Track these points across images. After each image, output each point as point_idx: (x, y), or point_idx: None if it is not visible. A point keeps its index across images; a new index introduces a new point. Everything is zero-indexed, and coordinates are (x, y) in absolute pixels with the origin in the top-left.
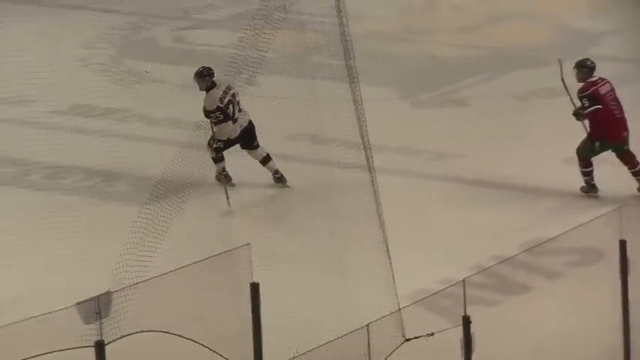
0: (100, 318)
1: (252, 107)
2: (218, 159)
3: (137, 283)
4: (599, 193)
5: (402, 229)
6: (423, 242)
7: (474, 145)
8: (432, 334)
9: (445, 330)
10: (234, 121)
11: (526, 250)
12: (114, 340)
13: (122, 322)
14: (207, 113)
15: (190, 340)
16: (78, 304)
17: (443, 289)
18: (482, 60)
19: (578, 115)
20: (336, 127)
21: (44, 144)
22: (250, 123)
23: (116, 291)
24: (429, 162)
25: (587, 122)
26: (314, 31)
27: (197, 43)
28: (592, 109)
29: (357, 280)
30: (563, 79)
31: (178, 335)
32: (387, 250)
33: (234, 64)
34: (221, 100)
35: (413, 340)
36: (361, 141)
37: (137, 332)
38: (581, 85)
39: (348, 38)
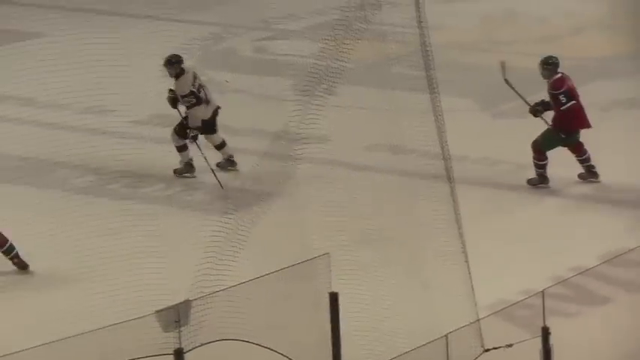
0: (180, 326)
1: (332, 117)
2: (182, 147)
3: (216, 291)
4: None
5: (482, 239)
6: (502, 253)
7: (555, 155)
8: (511, 345)
9: (524, 341)
10: (207, 103)
11: (606, 262)
12: (193, 349)
13: (201, 331)
14: (180, 98)
15: (269, 349)
16: (157, 312)
17: (522, 300)
18: (563, 70)
19: (535, 112)
20: (416, 137)
21: (125, 153)
22: (218, 107)
23: (195, 299)
24: (509, 172)
25: (546, 116)
26: (395, 41)
27: (277, 54)
28: (570, 104)
29: (436, 290)
30: (507, 80)
31: (257, 344)
32: (466, 260)
33: (315, 75)
34: (192, 84)
35: (492, 351)
36: (441, 151)
37: (216, 341)
38: (547, 81)
39: (428, 49)
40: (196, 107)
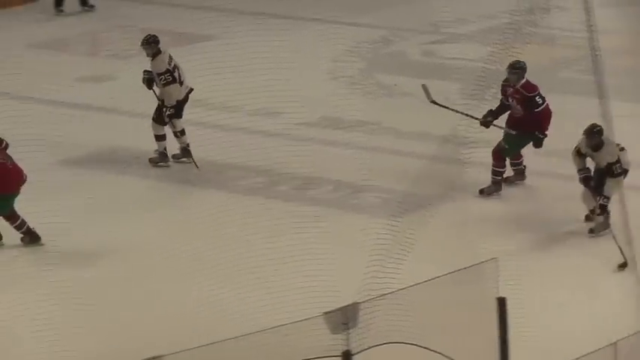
0: (348, 328)
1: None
2: (161, 137)
3: (384, 294)
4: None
5: None
6: None
7: None
8: None
9: None
10: (181, 83)
11: None
12: (361, 351)
13: (369, 333)
14: (156, 77)
15: (438, 353)
16: (326, 314)
17: None
18: None
19: (487, 124)
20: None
21: (294, 155)
22: (191, 89)
23: (363, 302)
24: None
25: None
26: (563, 45)
27: (446, 57)
28: (545, 104)
29: (605, 297)
30: (434, 101)
31: (424, 347)
32: (636, 267)
33: (484, 79)
34: (169, 63)
35: None
36: None
37: (384, 344)
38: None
39: (597, 53)
40: (172, 85)
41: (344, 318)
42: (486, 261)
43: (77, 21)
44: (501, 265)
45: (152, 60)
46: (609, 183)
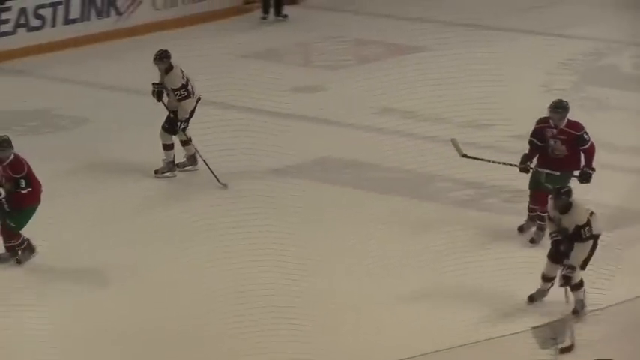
0: (556, 344)
1: None
2: (169, 147)
3: (594, 310)
4: None
5: None
6: None
7: None
8: None
9: None
10: (193, 94)
11: None
12: None
13: (578, 349)
14: (171, 92)
15: None
16: (534, 328)
17: None
18: None
19: (526, 169)
20: None
21: (503, 169)
22: (199, 98)
23: (571, 318)
24: None
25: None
26: None
27: None
28: (591, 141)
29: None
30: (465, 155)
31: None
32: None
33: None
34: (183, 77)
35: None
36: None
37: None
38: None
39: None
40: (187, 100)
41: (552, 333)
42: None
43: (285, 31)
44: None
45: (166, 75)
46: (576, 249)
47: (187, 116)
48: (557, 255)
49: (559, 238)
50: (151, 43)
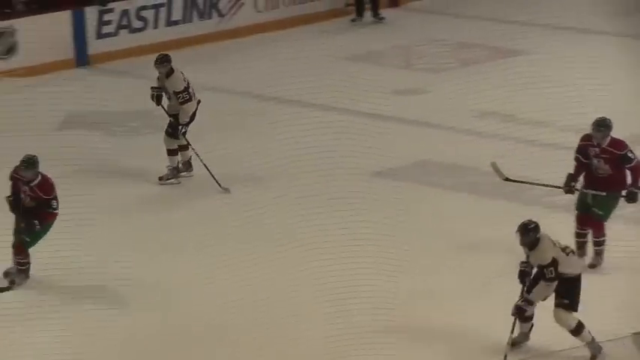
0: None
1: None
2: (173, 152)
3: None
4: None
5: None
6: None
7: None
8: None
9: None
10: (194, 98)
11: None
12: None
13: None
14: (173, 95)
15: None
16: (634, 334)
17: None
18: None
19: (572, 190)
20: None
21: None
22: (199, 101)
23: None
24: None
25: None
26: None
27: None
28: (637, 159)
29: None
30: (508, 178)
31: None
32: None
33: None
34: (184, 80)
35: None
36: None
37: None
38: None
39: None
40: (189, 103)
41: None
42: None
43: (384, 34)
44: None
45: (166, 79)
46: (539, 286)
47: (188, 120)
48: (522, 284)
49: (526, 269)
50: (253, 45)
